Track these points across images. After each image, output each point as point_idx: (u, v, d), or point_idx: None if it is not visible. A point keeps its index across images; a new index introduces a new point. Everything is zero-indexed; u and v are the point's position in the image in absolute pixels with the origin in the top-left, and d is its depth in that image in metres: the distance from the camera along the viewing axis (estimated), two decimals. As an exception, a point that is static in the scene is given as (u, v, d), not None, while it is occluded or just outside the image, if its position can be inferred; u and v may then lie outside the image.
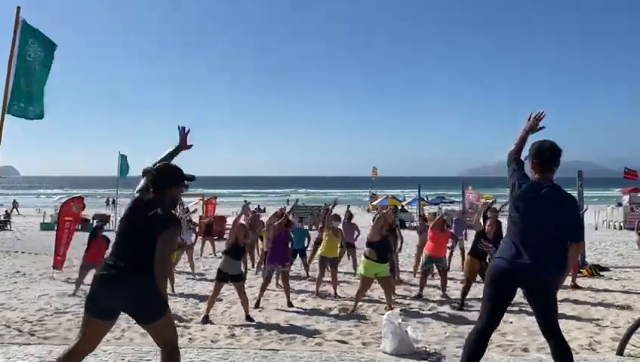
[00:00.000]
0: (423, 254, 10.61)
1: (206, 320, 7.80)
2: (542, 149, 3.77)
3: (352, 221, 12.34)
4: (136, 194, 3.53)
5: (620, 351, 5.24)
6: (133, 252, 3.33)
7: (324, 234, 10.50)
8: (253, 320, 7.85)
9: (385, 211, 10.31)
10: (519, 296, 3.99)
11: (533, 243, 3.64)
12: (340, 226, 11.12)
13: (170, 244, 3.48)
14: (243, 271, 8.18)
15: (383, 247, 8.58)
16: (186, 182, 3.58)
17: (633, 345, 5.29)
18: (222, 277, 7.97)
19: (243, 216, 8.87)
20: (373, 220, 9.18)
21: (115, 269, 3.30)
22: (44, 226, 25.94)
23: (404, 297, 9.82)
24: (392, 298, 8.87)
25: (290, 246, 9.78)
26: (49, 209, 32.81)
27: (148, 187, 3.49)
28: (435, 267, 10.30)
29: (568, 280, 10.80)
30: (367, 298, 9.43)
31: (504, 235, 4.00)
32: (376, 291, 9.47)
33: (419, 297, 9.73)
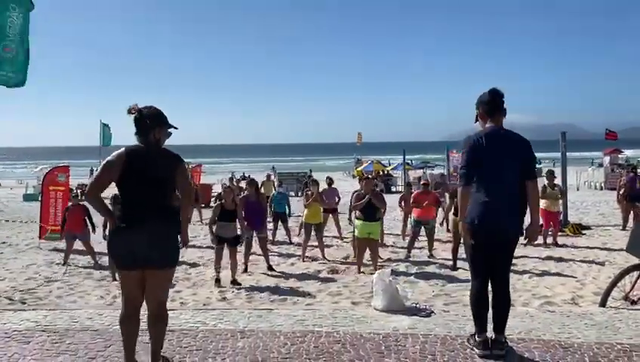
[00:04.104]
0: (412, 218, 10.74)
1: (218, 283, 7.96)
2: (484, 96, 3.81)
3: (333, 186, 12.53)
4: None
5: (603, 303, 5.42)
6: (149, 199, 3.34)
7: (304, 200, 10.70)
8: (240, 284, 7.94)
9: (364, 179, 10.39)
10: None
11: (497, 197, 3.64)
12: (320, 191, 11.28)
13: (187, 175, 3.55)
14: (239, 233, 8.31)
15: (369, 208, 8.74)
16: (170, 129, 3.53)
17: (613, 298, 5.46)
18: (220, 241, 8.15)
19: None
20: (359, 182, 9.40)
21: (135, 218, 3.31)
22: (28, 197, 25.62)
23: (390, 259, 9.97)
24: (379, 261, 9.03)
25: (267, 211, 9.74)
26: (31, 180, 32.38)
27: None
28: (423, 229, 10.44)
29: (549, 240, 11.04)
30: (353, 261, 9.59)
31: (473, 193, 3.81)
32: (364, 254, 9.60)
33: (407, 258, 9.89)
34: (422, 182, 12.10)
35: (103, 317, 4.90)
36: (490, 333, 3.87)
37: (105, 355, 3.89)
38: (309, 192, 10.77)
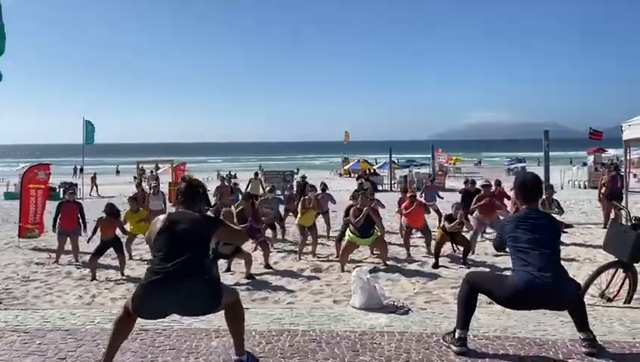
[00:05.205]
0: (402, 222, 10.79)
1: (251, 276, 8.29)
2: (525, 182, 4.01)
3: (327, 192, 12.59)
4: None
5: (580, 301, 5.44)
6: (187, 257, 3.32)
7: (300, 206, 10.72)
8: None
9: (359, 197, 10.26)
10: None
11: (549, 268, 3.69)
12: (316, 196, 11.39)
13: (228, 228, 3.85)
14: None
15: (364, 226, 8.90)
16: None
17: (591, 295, 5.49)
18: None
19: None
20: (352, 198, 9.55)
21: (173, 275, 3.27)
22: (8, 196, 25.30)
23: (375, 256, 9.96)
24: (365, 258, 9.08)
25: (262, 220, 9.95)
26: (13, 178, 31.98)
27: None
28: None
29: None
30: (338, 258, 9.57)
31: (513, 267, 3.89)
32: (349, 254, 9.59)
33: (408, 256, 9.87)
34: (408, 194, 11.07)
35: (76, 316, 4.82)
36: (470, 331, 3.88)
37: (75, 356, 3.82)
38: (307, 198, 10.86)
